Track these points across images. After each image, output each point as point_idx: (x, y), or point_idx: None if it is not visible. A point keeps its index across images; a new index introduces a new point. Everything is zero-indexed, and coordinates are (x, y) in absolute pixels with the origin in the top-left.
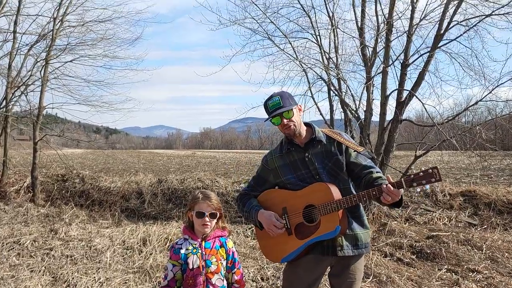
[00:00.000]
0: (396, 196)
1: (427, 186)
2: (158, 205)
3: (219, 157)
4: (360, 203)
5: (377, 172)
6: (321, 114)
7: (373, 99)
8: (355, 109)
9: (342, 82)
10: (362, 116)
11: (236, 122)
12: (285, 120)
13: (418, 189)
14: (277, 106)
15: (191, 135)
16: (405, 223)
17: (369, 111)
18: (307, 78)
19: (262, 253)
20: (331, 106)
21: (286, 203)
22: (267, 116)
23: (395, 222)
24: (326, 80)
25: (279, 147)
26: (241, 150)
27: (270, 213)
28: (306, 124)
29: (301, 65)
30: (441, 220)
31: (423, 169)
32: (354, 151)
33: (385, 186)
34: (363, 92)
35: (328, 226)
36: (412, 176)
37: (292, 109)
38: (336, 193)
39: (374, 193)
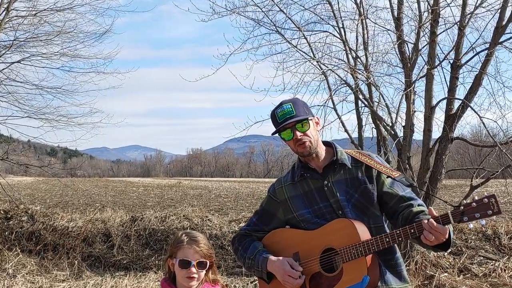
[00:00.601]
0: (441, 235)
1: (483, 221)
2: (131, 251)
3: (212, 187)
4: (397, 249)
5: (419, 205)
6: (346, 130)
7: (415, 111)
8: (390, 124)
9: (373, 88)
10: (400, 133)
11: (235, 142)
12: (298, 134)
13: (471, 225)
14: (288, 115)
15: (176, 159)
16: (458, 276)
17: (409, 127)
18: (328, 83)
19: None
20: (359, 120)
21: (298, 246)
22: (274, 130)
23: (445, 274)
24: (353, 86)
25: (291, 172)
26: (241, 178)
27: (283, 260)
28: (325, 143)
29: (319, 66)
30: (506, 271)
31: (476, 198)
32: (388, 177)
33: (426, 221)
34: (402, 102)
35: (353, 276)
36: (462, 208)
37: (307, 120)
38: (363, 232)
39: (412, 231)
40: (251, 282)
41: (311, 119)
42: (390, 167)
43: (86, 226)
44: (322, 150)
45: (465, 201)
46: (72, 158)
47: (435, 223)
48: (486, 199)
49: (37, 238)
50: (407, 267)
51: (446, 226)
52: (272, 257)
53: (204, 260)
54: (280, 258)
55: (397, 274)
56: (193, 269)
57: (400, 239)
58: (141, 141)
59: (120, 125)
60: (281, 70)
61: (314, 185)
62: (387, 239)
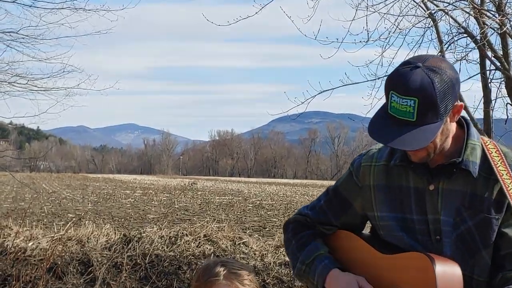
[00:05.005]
0: None
1: None
2: None
3: (249, 192)
4: None
5: None
6: (465, 107)
7: None
8: None
9: (511, 41)
10: None
11: (287, 122)
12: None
13: None
14: (404, 117)
15: (193, 147)
16: None
17: None
18: (437, 31)
19: None
20: (487, 91)
21: (365, 269)
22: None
23: None
24: (478, 38)
25: (389, 148)
26: (296, 179)
27: (350, 279)
28: (457, 123)
29: (424, 5)
30: None
31: None
32: None
33: None
34: None
35: None
36: None
37: (434, 135)
38: (447, 286)
39: None
40: None
41: (443, 121)
42: None
43: (53, 249)
44: (448, 144)
45: None
46: (32, 142)
47: None
48: None
49: None
50: None
51: None
52: (338, 271)
53: None
54: (347, 274)
55: None
56: None
57: None
58: (139, 118)
59: (109, 92)
60: (364, 9)
61: (414, 182)
62: None
